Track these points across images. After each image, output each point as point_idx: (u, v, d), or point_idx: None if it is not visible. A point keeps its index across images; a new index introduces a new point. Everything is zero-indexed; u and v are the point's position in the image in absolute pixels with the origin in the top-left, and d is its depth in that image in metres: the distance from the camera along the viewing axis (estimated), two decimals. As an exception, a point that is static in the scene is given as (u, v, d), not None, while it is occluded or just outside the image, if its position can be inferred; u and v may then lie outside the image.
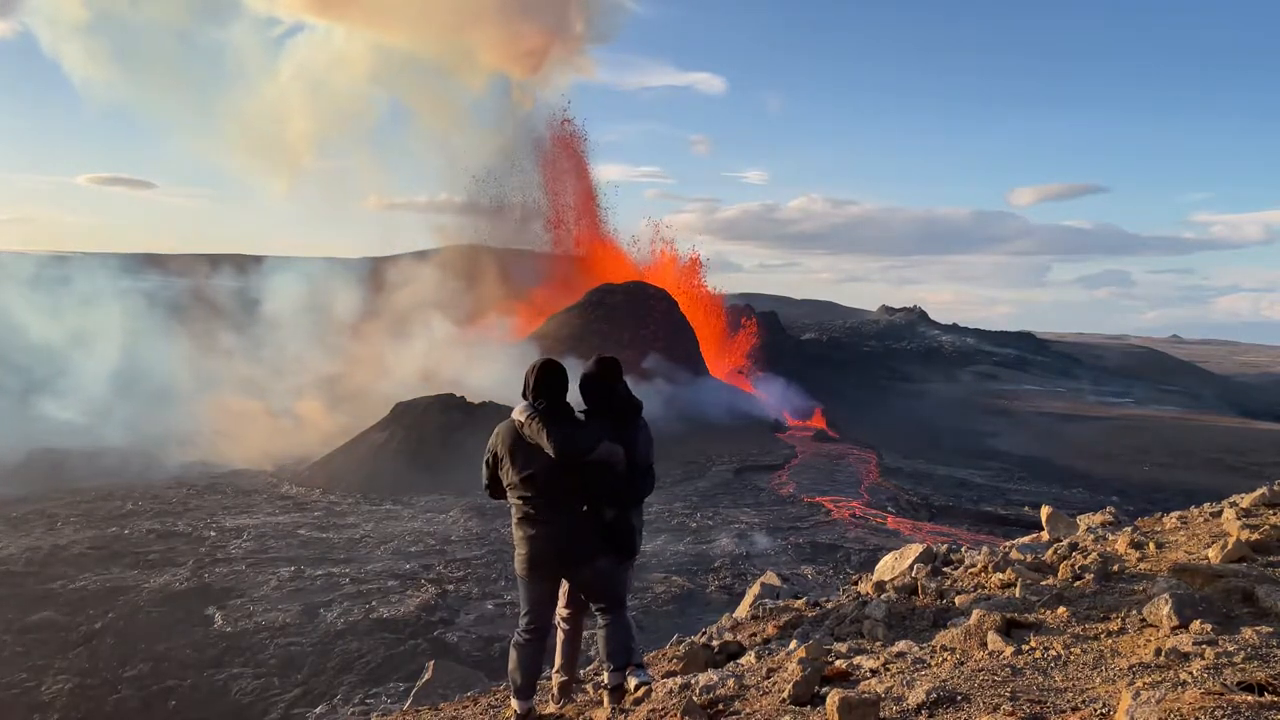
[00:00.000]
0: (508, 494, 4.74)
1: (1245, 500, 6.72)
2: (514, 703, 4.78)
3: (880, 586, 6.18)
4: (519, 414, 4.69)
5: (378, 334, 50.87)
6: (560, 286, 60.91)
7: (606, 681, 4.73)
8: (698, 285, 63.95)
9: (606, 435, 4.68)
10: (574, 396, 4.82)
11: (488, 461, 4.78)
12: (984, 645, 3.95)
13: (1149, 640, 3.67)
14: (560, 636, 5.19)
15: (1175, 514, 6.97)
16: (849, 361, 71.08)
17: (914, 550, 6.91)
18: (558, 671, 5.24)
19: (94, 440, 34.72)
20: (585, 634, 5.31)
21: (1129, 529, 6.55)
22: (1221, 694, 2.72)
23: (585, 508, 4.78)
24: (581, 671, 5.55)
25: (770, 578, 8.44)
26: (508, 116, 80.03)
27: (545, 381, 4.67)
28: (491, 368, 43.72)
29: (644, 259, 66.74)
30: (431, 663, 13.09)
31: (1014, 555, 6.01)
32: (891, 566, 6.94)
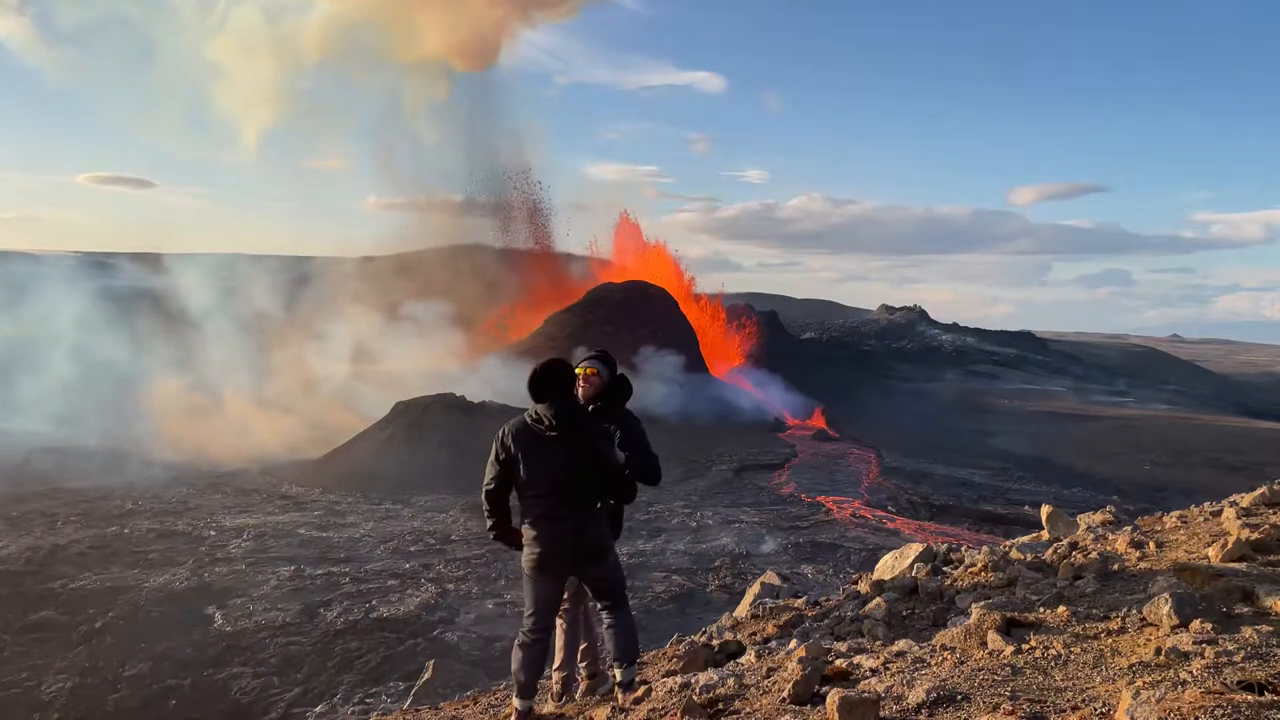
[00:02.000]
0: (520, 493, 4.68)
1: (1245, 499, 6.73)
2: (515, 701, 4.78)
3: (880, 586, 6.18)
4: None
5: (370, 335, 51.04)
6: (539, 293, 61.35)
7: (619, 678, 4.75)
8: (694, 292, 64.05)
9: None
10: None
11: (497, 459, 4.67)
12: (984, 644, 3.95)
13: (1149, 639, 3.67)
14: (559, 629, 5.20)
15: (1175, 513, 6.98)
16: (849, 361, 71.06)
17: (914, 549, 6.92)
18: (558, 669, 5.24)
19: (88, 441, 34.69)
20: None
21: (1129, 528, 6.55)
22: (1221, 693, 2.72)
23: (599, 505, 4.81)
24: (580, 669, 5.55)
25: (770, 577, 8.44)
26: (437, 108, 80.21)
27: (554, 380, 4.67)
28: (487, 369, 44.08)
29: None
30: (431, 662, 13.12)
31: (1014, 554, 6.02)
32: (891, 566, 6.95)
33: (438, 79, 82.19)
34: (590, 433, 4.71)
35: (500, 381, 41.16)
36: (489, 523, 4.82)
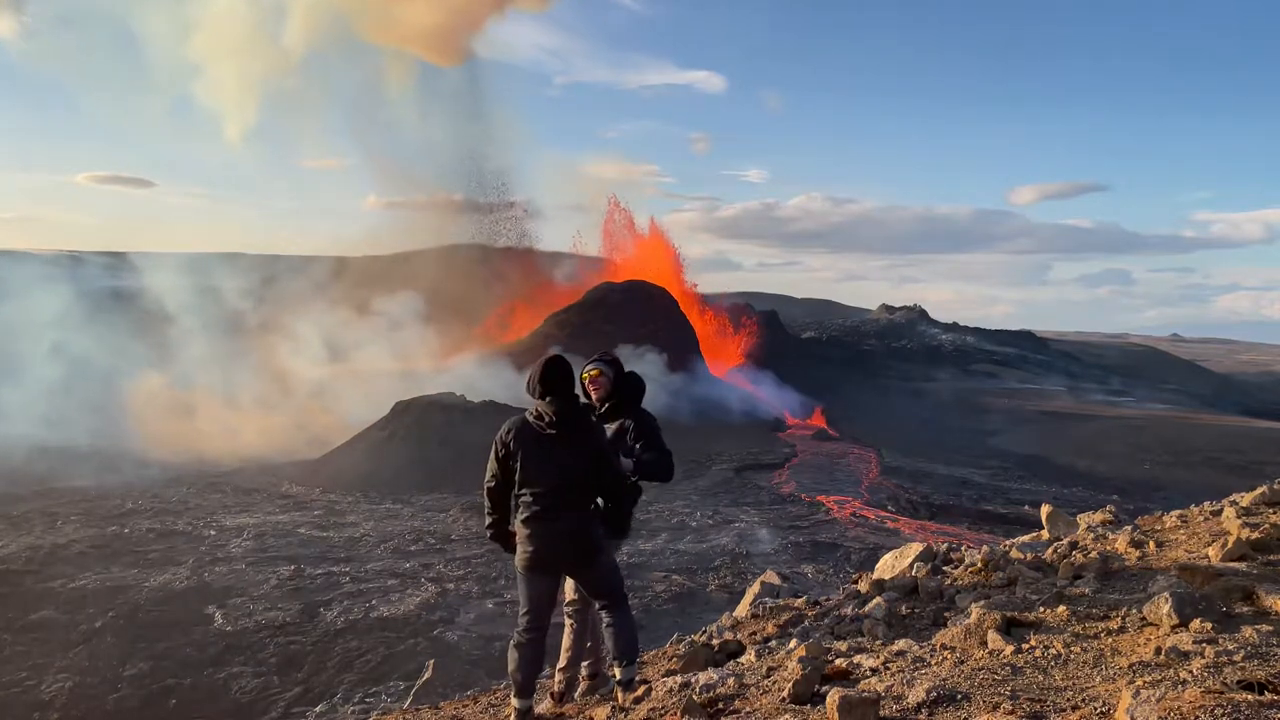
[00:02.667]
0: (517, 490, 4.68)
1: (1245, 499, 6.73)
2: (514, 701, 4.78)
3: (880, 585, 6.18)
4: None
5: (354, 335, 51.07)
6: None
7: (619, 676, 4.75)
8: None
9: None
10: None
11: (497, 456, 4.69)
12: (984, 644, 3.95)
13: (1149, 639, 3.67)
14: (568, 629, 5.20)
15: (1175, 512, 6.98)
16: (849, 360, 71.02)
17: (914, 549, 6.93)
18: (562, 669, 5.23)
19: (83, 441, 34.67)
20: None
21: (1129, 527, 6.55)
22: (1221, 693, 2.72)
23: (595, 505, 4.82)
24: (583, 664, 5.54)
25: (770, 576, 8.45)
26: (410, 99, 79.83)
27: (554, 378, 4.67)
28: (486, 369, 44.16)
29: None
30: (431, 661, 13.12)
31: (1014, 554, 6.02)
32: (891, 565, 6.95)
33: (418, 73, 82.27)
34: (591, 432, 4.71)
35: (496, 380, 41.22)
36: (488, 520, 4.83)
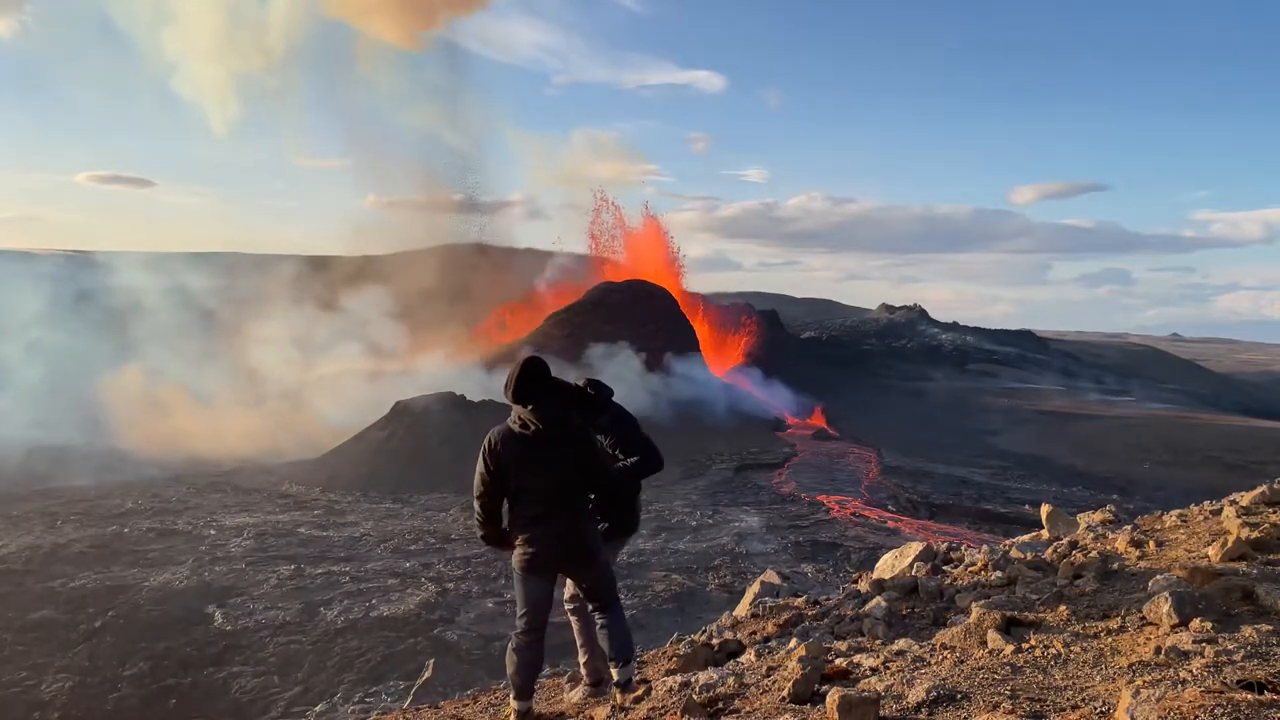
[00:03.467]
0: (512, 498, 4.61)
1: (1245, 498, 6.73)
2: (514, 703, 4.77)
3: (880, 585, 6.18)
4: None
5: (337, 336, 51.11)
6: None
7: (616, 677, 4.75)
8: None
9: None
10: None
11: (487, 469, 4.58)
12: (984, 643, 3.95)
13: (1149, 638, 3.67)
14: (575, 626, 5.19)
15: (1175, 512, 6.97)
16: (849, 360, 71.01)
17: (914, 549, 6.93)
18: (587, 662, 5.19)
19: (83, 442, 34.66)
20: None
21: (1129, 527, 6.55)
22: (1221, 692, 2.72)
23: (590, 504, 4.83)
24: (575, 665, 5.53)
25: (770, 576, 8.45)
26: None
27: (533, 381, 4.58)
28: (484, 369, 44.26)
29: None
30: (431, 661, 13.15)
31: (1014, 554, 6.02)
32: (891, 565, 6.96)
33: (402, 63, 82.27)
34: (578, 431, 4.69)
35: (495, 379, 41.22)
36: (481, 532, 4.77)
